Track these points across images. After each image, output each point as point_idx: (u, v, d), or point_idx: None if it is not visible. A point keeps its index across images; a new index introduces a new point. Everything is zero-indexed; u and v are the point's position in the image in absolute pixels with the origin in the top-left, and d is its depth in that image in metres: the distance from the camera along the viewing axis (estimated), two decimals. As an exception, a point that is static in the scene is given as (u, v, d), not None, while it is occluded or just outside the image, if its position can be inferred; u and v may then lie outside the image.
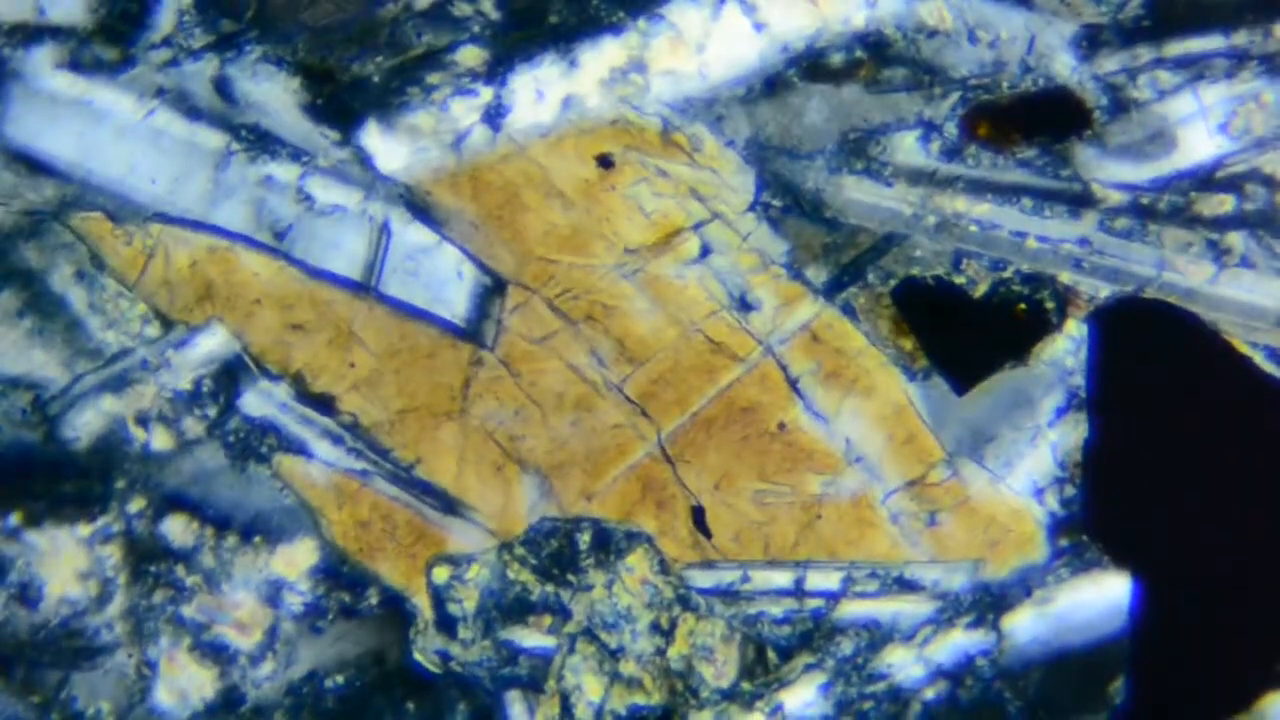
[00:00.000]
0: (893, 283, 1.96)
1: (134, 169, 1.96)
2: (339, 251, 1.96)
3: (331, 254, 1.97)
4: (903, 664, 1.95)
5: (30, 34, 1.96)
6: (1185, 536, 1.96)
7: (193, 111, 1.96)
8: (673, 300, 1.96)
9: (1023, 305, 1.96)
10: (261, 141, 1.96)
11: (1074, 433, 1.95)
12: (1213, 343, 1.95)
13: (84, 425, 1.97)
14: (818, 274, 1.96)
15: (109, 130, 1.96)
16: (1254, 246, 1.94)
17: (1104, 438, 1.95)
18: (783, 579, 1.96)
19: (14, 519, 1.95)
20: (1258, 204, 1.94)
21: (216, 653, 1.97)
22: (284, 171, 1.96)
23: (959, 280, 1.96)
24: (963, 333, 1.96)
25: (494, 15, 1.96)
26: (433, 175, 1.96)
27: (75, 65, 1.96)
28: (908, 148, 1.96)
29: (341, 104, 1.97)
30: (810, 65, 1.95)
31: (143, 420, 1.97)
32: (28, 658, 1.96)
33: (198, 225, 1.96)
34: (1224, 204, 1.94)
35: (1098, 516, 1.95)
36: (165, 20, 1.97)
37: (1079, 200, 1.95)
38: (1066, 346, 1.95)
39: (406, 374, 1.97)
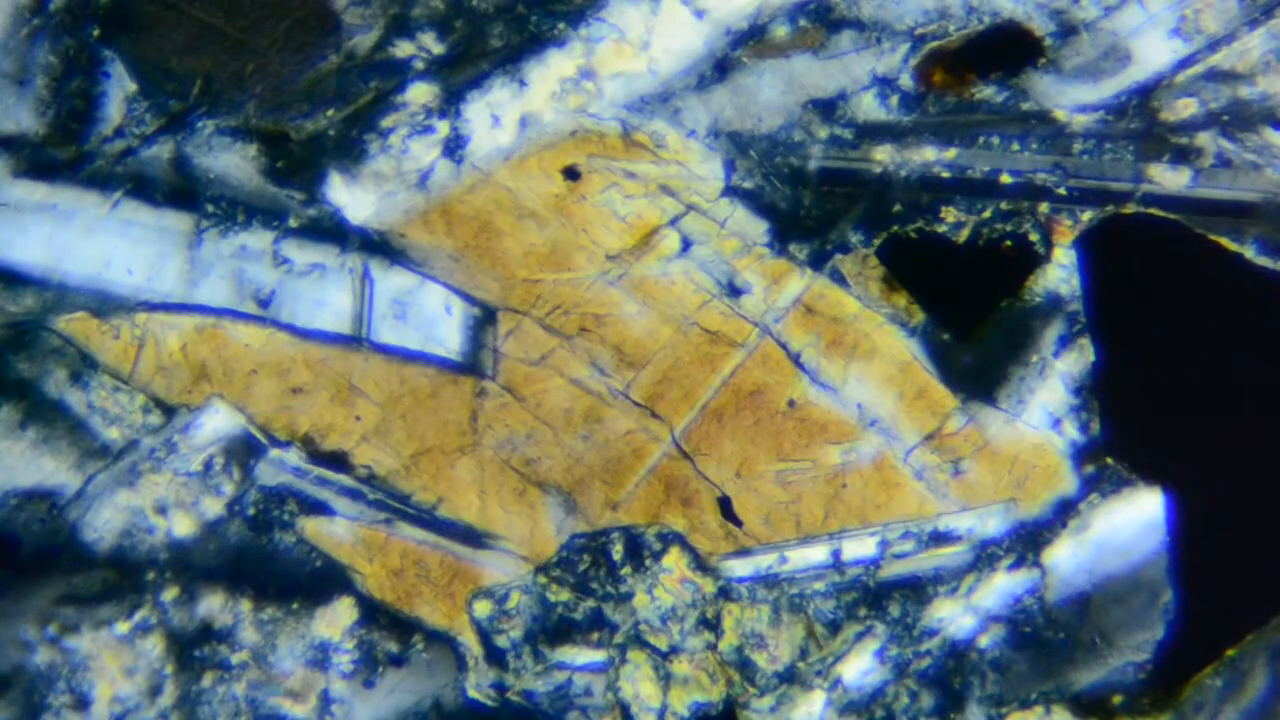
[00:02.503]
0: (876, 243, 1.96)
1: (109, 263, 1.96)
2: (325, 309, 1.96)
3: (318, 312, 1.97)
4: (952, 616, 1.95)
5: (-17, 148, 1.96)
6: (1207, 440, 1.96)
7: (157, 196, 1.97)
8: (662, 298, 1.96)
9: (1008, 242, 1.96)
10: (230, 213, 1.96)
11: (1080, 358, 1.95)
12: (1201, 247, 1.95)
13: (104, 524, 1.97)
14: (801, 247, 1.96)
15: (78, 229, 1.96)
16: (1226, 143, 1.94)
17: (1111, 358, 1.95)
18: (819, 554, 1.96)
19: (52, 628, 1.95)
20: (1221, 101, 1.94)
21: (275, 725, 1.98)
22: (257, 239, 1.96)
23: (941, 229, 1.96)
24: (953, 279, 1.96)
25: (436, 49, 1.96)
26: (404, 217, 1.96)
27: (33, 171, 1.96)
28: (868, 107, 1.96)
29: (302, 163, 1.97)
30: (757, 42, 1.95)
31: (161, 509, 1.97)
32: (90, 763, 1.96)
33: (182, 307, 1.97)
34: (1188, 107, 1.94)
35: (1119, 436, 1.95)
36: (114, 111, 1.97)
37: (1045, 129, 1.95)
38: (1058, 275, 1.95)
39: (413, 418, 1.97)
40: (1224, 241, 1.94)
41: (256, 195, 1.97)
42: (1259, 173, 1.94)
